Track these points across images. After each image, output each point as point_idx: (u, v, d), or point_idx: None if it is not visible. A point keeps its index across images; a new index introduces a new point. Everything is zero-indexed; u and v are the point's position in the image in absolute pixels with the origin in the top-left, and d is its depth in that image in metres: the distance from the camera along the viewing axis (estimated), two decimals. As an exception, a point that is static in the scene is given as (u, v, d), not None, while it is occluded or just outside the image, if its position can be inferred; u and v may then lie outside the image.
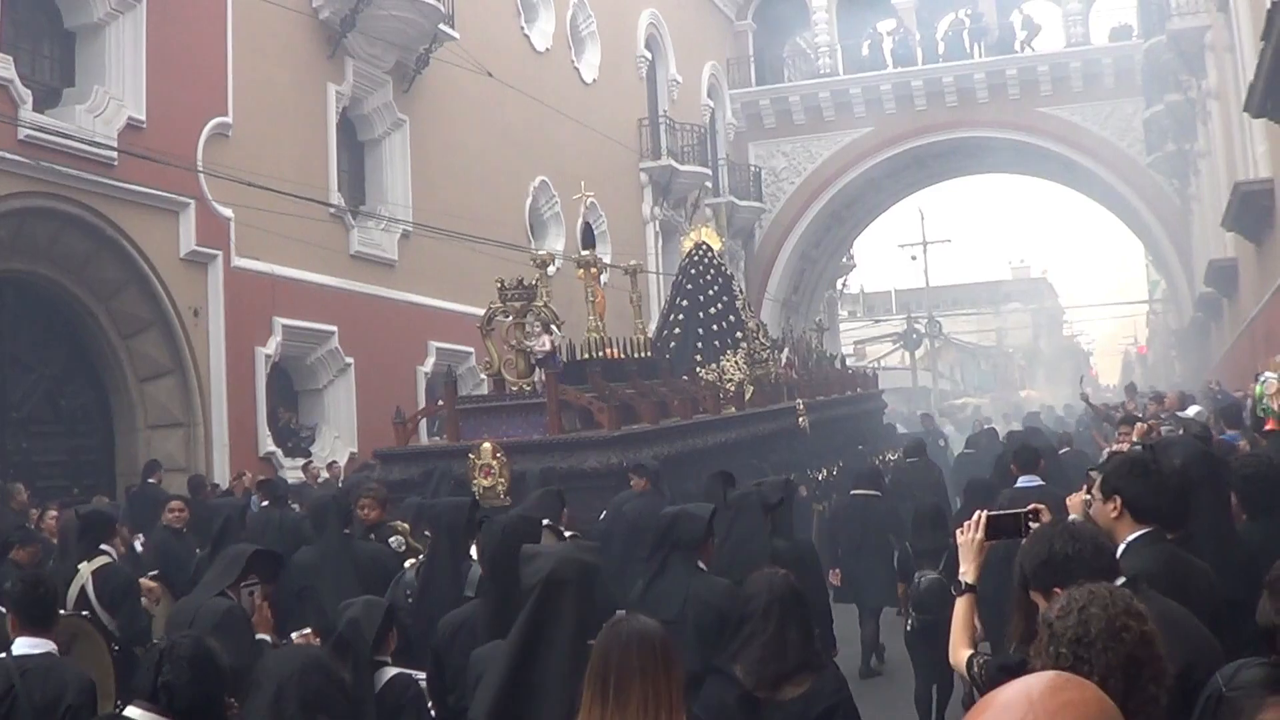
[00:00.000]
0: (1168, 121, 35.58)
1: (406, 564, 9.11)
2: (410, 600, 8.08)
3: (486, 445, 13.91)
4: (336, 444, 22.56)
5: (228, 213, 19.97)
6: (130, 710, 4.69)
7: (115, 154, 17.92)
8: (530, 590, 5.10)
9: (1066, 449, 17.73)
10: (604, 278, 17.41)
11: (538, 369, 15.04)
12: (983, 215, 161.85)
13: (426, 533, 9.50)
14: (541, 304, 15.01)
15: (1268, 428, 12.07)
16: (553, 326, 15.01)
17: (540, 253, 18.31)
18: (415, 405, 24.63)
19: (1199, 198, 35.01)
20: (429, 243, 24.41)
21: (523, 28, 30.88)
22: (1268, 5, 15.83)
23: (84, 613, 8.66)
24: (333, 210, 22.64)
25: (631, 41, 37.21)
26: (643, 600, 7.08)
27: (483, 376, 25.32)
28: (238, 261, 20.25)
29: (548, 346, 14.92)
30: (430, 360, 25.50)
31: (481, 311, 25.34)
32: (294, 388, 22.97)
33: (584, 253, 17.64)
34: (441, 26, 25.09)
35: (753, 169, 42.93)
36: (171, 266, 19.14)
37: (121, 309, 18.86)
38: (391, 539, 10.14)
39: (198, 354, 19.45)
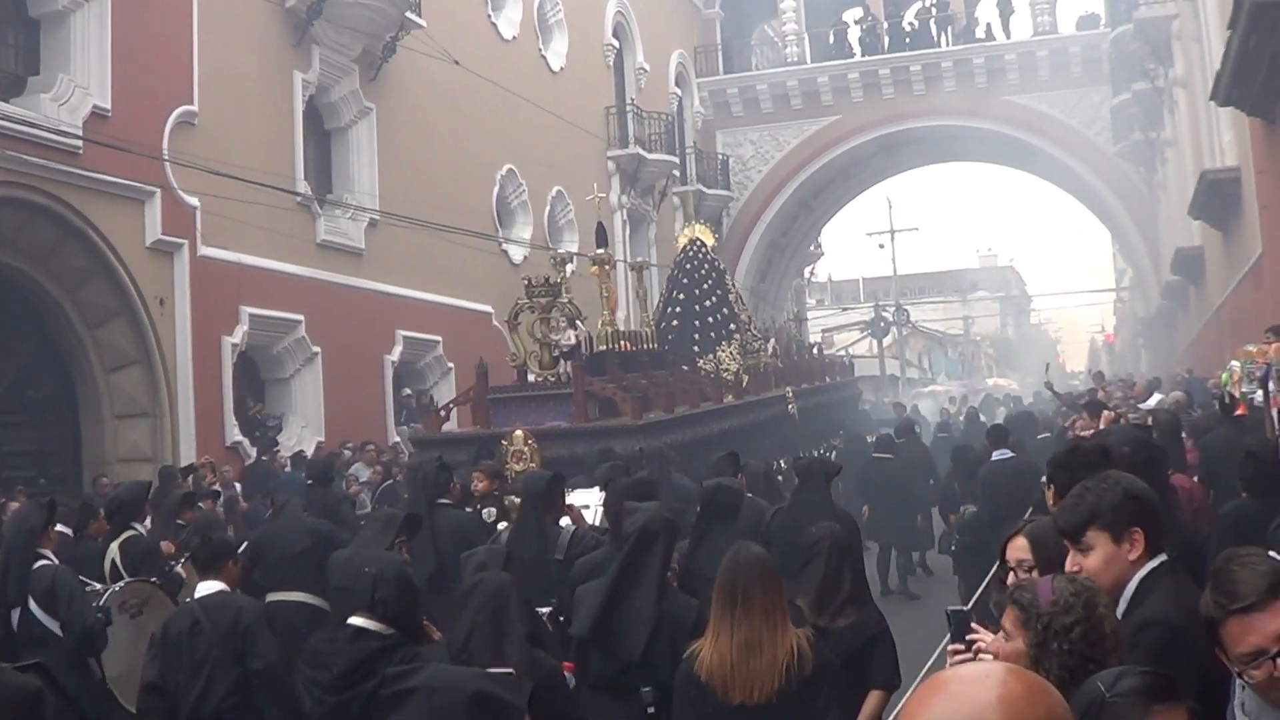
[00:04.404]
0: (1135, 110, 35.69)
1: (500, 525, 10.65)
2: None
3: (518, 433, 14.63)
4: (304, 433, 22.45)
5: (194, 201, 19.85)
6: (353, 619, 5.84)
7: (80, 143, 17.78)
8: (627, 537, 6.65)
9: (1046, 434, 18.44)
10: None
11: (561, 361, 15.99)
12: (950, 204, 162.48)
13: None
14: (566, 300, 15.95)
15: (1238, 413, 12.24)
16: (577, 322, 16.04)
17: (560, 251, 19.73)
18: (383, 394, 24.70)
19: (1166, 186, 35.15)
20: (396, 231, 24.35)
21: (490, 16, 30.80)
22: (1234, -6, 15.87)
23: (153, 579, 9.83)
24: (299, 199, 22.57)
25: (599, 30, 37.14)
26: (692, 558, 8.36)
27: (449, 366, 25.67)
28: (204, 250, 20.14)
29: (573, 340, 15.94)
30: (398, 349, 25.45)
31: (449, 300, 25.57)
32: (261, 377, 22.86)
33: (598, 251, 18.38)
34: (408, 14, 25.04)
35: (720, 157, 42.97)
36: (137, 256, 19.03)
37: (87, 298, 18.74)
38: (484, 510, 11.26)
39: (164, 343, 19.35)
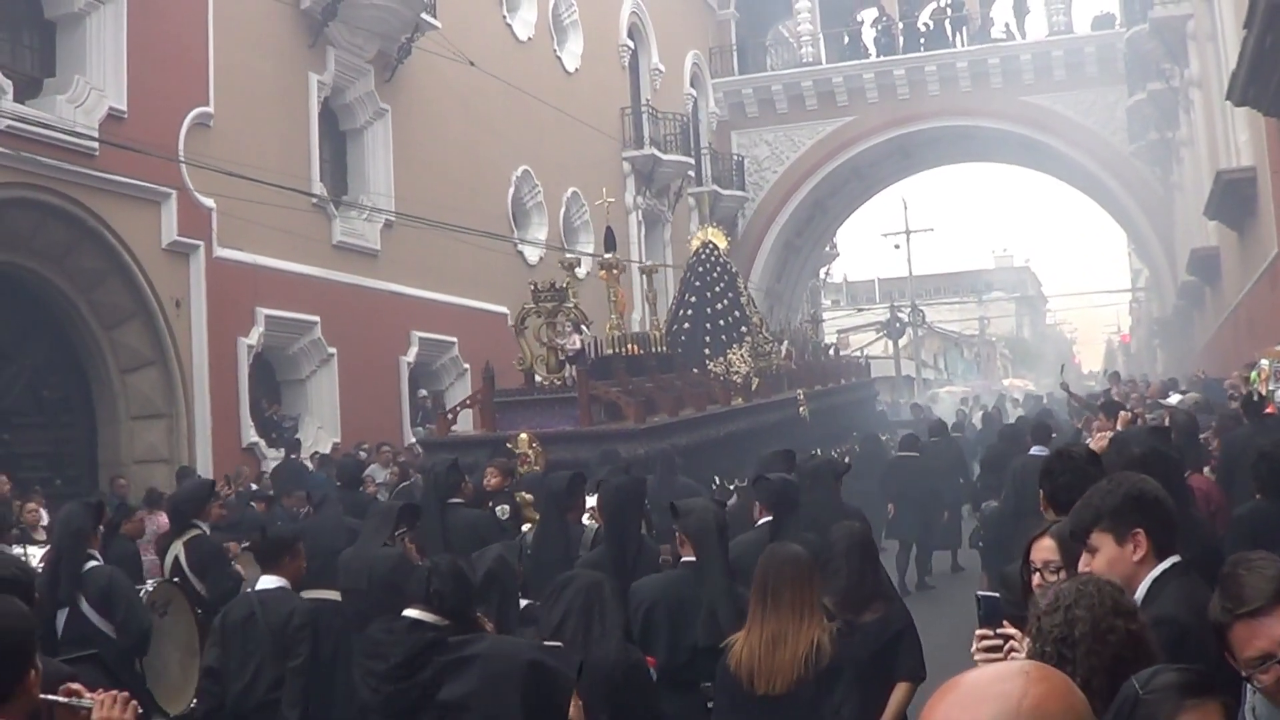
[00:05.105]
0: (1150, 110, 35.63)
1: (524, 527, 10.83)
2: (528, 554, 9.50)
3: (523, 435, 14.78)
4: (320, 434, 22.47)
5: (209, 203, 19.88)
6: (409, 611, 5.86)
7: (96, 144, 17.81)
8: (704, 534, 6.87)
9: (1054, 434, 18.44)
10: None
11: (567, 365, 16.12)
12: (966, 204, 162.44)
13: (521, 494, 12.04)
14: (572, 305, 16.10)
15: (1268, 411, 12.24)
16: (582, 326, 16.22)
17: (570, 254, 19.84)
18: (398, 395, 24.71)
19: (1181, 186, 35.09)
20: (411, 232, 24.35)
21: (505, 17, 30.82)
22: (1250, -7, 15.83)
23: (175, 579, 10.15)
24: (315, 200, 22.58)
25: (614, 31, 37.15)
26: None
27: (465, 367, 25.75)
28: (219, 252, 20.17)
29: (578, 345, 16.13)
30: (413, 350, 25.48)
31: (464, 301, 25.60)
32: (276, 378, 22.89)
33: (607, 255, 18.45)
34: (423, 15, 25.05)
35: (735, 158, 42.95)
36: (153, 257, 19.05)
37: (103, 300, 18.78)
38: (498, 507, 11.49)
39: (180, 345, 19.37)
